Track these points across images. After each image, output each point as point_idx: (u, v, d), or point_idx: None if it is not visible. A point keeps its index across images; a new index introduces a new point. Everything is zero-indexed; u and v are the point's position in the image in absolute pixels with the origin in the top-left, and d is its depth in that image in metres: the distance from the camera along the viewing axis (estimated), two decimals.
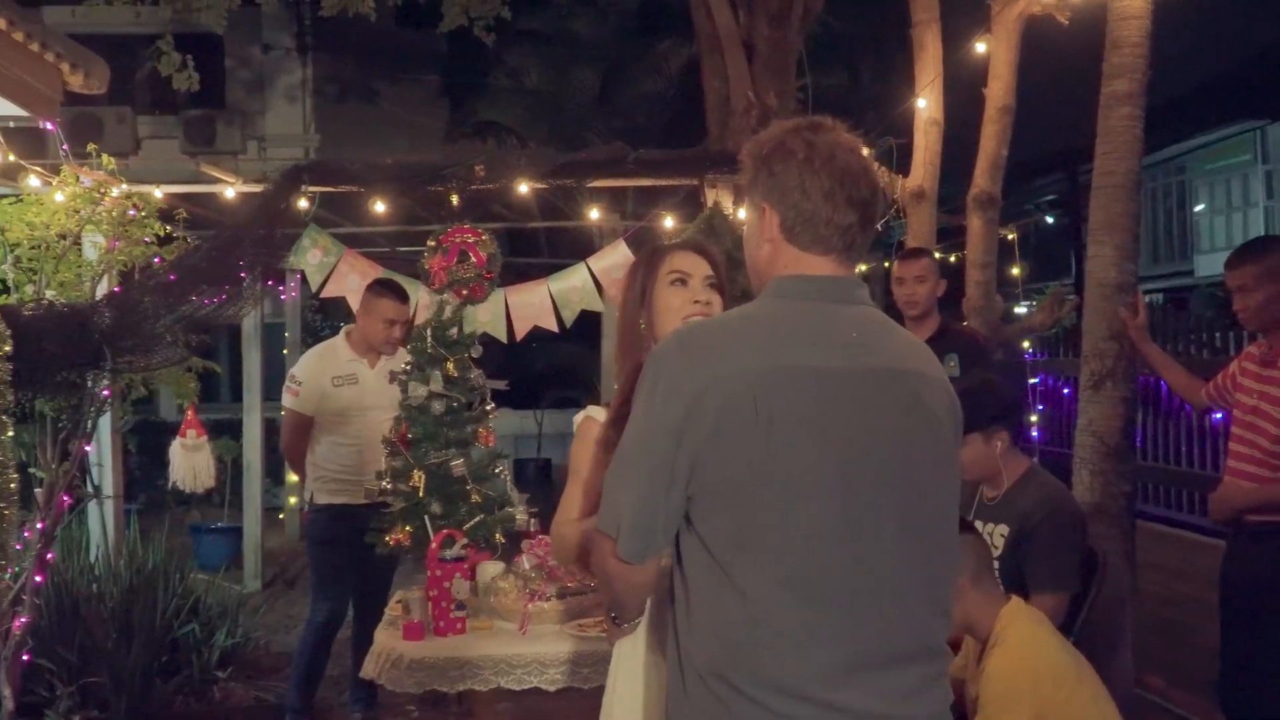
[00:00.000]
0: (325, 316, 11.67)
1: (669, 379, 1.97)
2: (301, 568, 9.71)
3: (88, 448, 5.25)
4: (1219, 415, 6.23)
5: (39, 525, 4.84)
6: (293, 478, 10.75)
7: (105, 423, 6.04)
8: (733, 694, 1.93)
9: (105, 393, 5.03)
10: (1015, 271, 7.30)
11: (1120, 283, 4.79)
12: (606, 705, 2.64)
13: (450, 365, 4.35)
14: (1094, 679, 3.07)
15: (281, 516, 10.67)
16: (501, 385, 4.63)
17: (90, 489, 6.12)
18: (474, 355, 4.46)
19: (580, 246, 11.40)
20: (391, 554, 5.42)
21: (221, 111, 14.64)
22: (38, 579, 4.82)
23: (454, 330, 4.40)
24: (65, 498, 5.01)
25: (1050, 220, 23.86)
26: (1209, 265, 22.16)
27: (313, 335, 12.13)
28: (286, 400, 5.49)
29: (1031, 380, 7.64)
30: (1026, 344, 7.37)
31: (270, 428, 9.11)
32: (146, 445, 11.37)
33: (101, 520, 6.15)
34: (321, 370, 5.44)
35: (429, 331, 4.37)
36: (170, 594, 5.95)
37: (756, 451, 1.90)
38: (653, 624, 2.49)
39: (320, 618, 5.41)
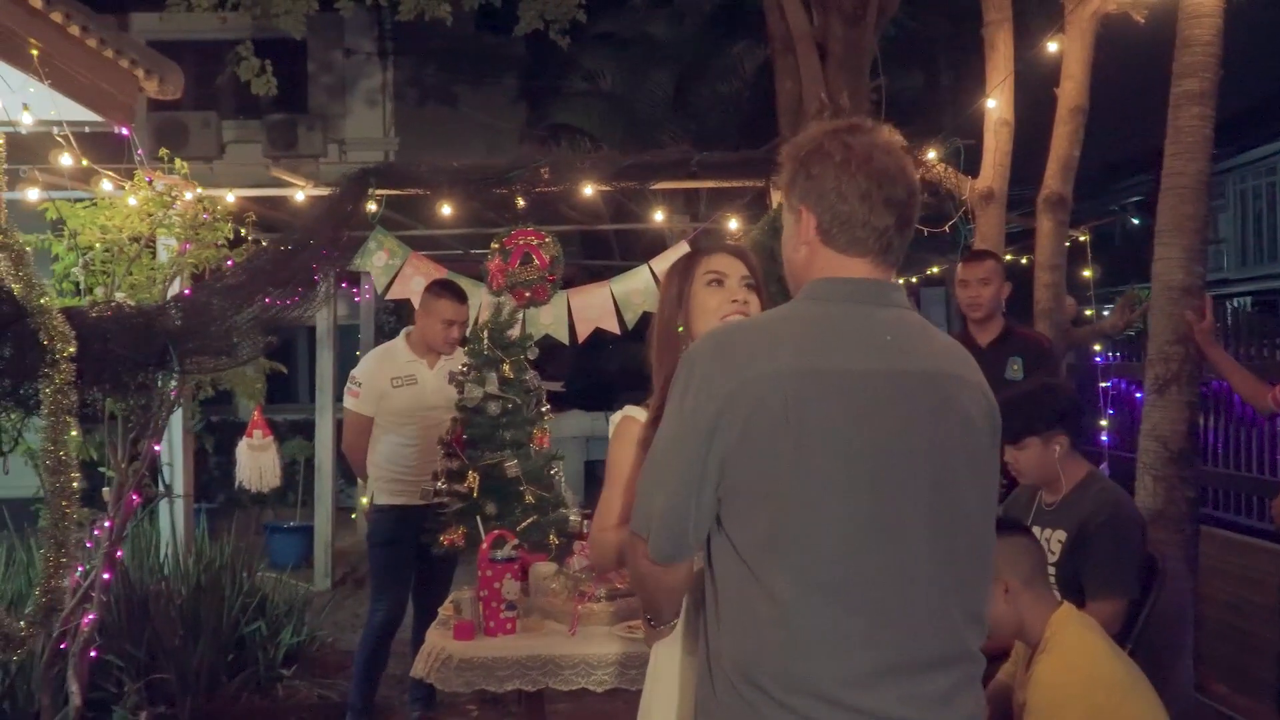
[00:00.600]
0: (399, 319, 11.79)
1: (701, 379, 1.97)
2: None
3: (157, 447, 5.36)
4: None
5: (108, 524, 4.95)
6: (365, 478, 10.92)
7: (176, 422, 6.17)
8: (762, 697, 1.92)
9: (174, 393, 5.13)
10: (1087, 274, 7.15)
11: (1187, 285, 4.68)
12: (644, 707, 2.63)
13: (507, 367, 4.37)
14: (1147, 688, 3.00)
15: (354, 516, 10.78)
16: (557, 387, 4.65)
17: (161, 488, 6.24)
18: (530, 357, 4.47)
19: (651, 248, 11.43)
20: (449, 555, 5.49)
21: (303, 116, 14.93)
22: (105, 576, 4.93)
23: (511, 332, 4.40)
24: (135, 496, 5.12)
25: (1136, 221, 23.35)
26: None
27: (385, 337, 12.28)
28: (347, 401, 5.56)
29: (1103, 384, 7.48)
30: (1098, 347, 7.24)
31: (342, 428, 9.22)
32: (224, 445, 11.58)
33: (171, 519, 6.27)
34: (380, 371, 5.50)
35: (486, 333, 4.39)
36: (238, 592, 6.06)
37: (787, 453, 1.90)
38: (689, 628, 2.49)
39: (379, 617, 5.46)
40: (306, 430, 10.28)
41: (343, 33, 14.95)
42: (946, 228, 6.44)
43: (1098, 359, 7.61)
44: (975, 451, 2.06)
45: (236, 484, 6.72)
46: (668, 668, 2.53)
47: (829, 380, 1.94)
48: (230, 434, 11.76)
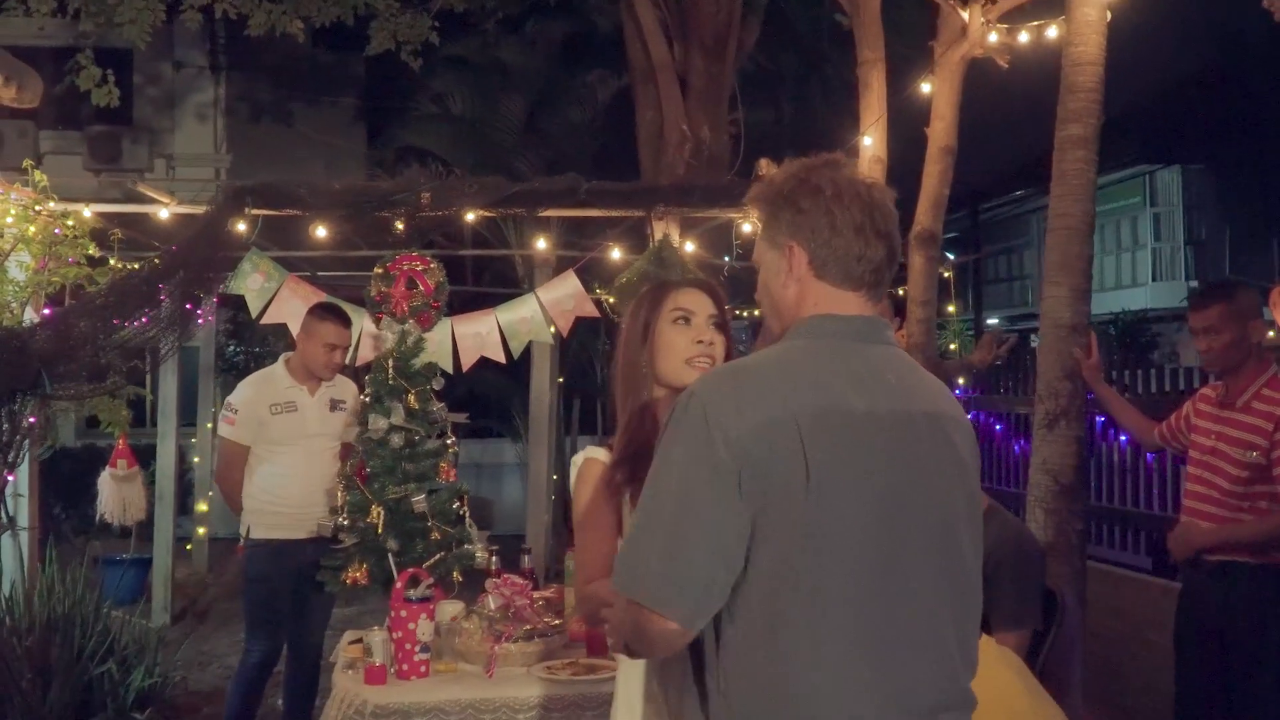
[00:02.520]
0: (239, 342, 11.39)
1: (712, 424, 1.87)
2: (211, 600, 9.43)
3: (10, 477, 5.01)
4: (1152, 455, 6.38)
5: None
6: (201, 507, 10.46)
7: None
8: None
9: (32, 419, 4.81)
10: (951, 309, 7.38)
11: (1074, 323, 4.83)
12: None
13: (411, 397, 4.22)
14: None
15: (189, 548, 10.33)
16: (462, 418, 4.50)
17: (4, 519, 5.82)
18: (435, 388, 4.33)
19: (508, 277, 11.32)
20: (331, 592, 5.29)
21: (128, 129, 14.30)
22: None
23: (415, 361, 4.26)
24: None
25: (950, 256, 24.33)
26: (1099, 304, 22.74)
27: (224, 360, 11.84)
28: (222, 429, 5.29)
29: None
30: (961, 380, 7.45)
31: (185, 456, 8.83)
32: (42, 472, 10.95)
33: (18, 553, 5.85)
34: (259, 398, 5.25)
35: (390, 362, 4.23)
36: (89, 631, 5.69)
37: (802, 499, 1.84)
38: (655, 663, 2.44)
39: (255, 657, 5.19)
40: (143, 456, 9.77)
41: (173, 44, 14.38)
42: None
43: (958, 393, 7.81)
44: (970, 493, 2.07)
45: (97, 517, 6.30)
46: (635, 686, 2.48)
47: (842, 422, 1.90)
48: (49, 461, 11.15)
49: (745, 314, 9.29)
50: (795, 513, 1.84)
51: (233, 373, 12.18)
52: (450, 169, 9.76)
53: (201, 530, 10.16)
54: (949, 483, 2.00)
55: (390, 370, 4.26)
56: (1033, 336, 21.15)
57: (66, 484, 10.85)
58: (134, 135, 14.26)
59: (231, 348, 11.81)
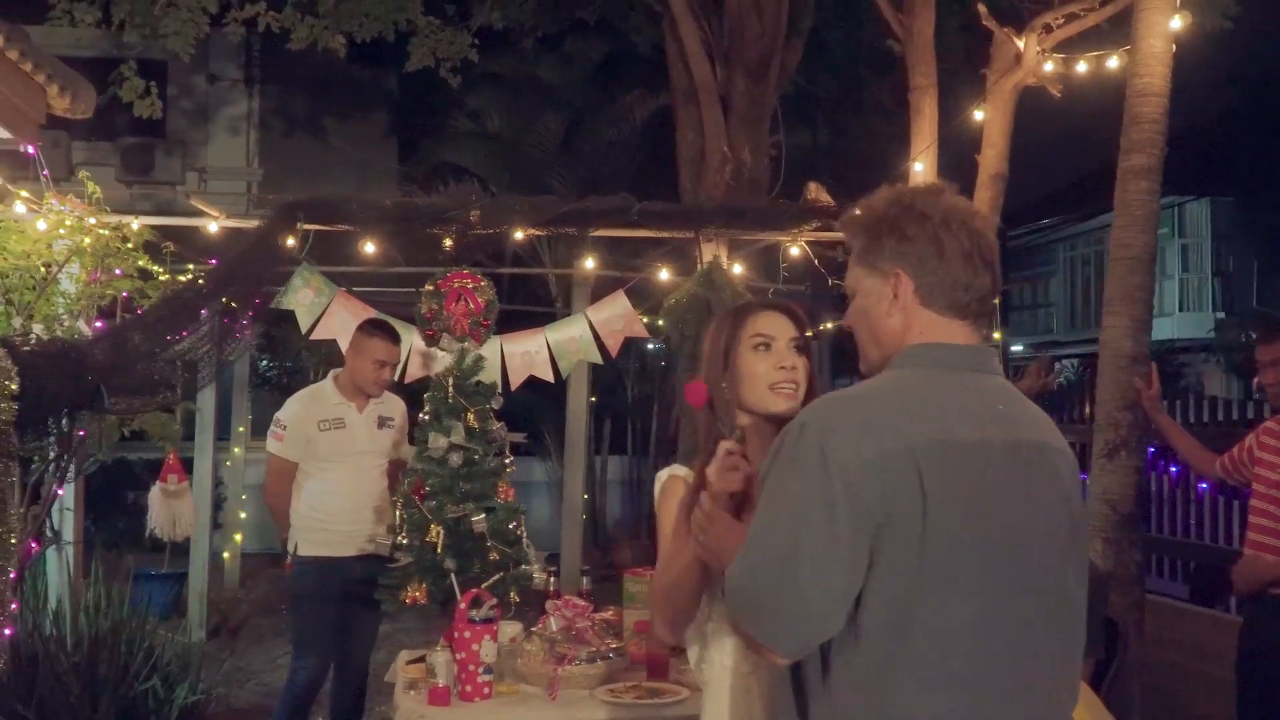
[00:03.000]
0: (273, 356, 11.39)
1: (827, 454, 1.82)
2: (245, 616, 9.39)
3: (60, 490, 4.99)
4: (1204, 485, 6.34)
5: (11, 575, 4.57)
6: (238, 518, 10.45)
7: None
8: None
9: (81, 433, 4.80)
10: (996, 336, 7.35)
11: (1135, 354, 4.81)
12: None
13: (470, 416, 4.20)
14: None
15: (225, 561, 10.31)
16: (520, 438, 4.47)
17: (50, 533, 5.81)
18: (495, 407, 4.31)
19: (540, 296, 11.32)
20: (375, 608, 5.25)
21: (161, 141, 14.34)
22: (7, 632, 4.55)
23: (474, 379, 4.24)
24: (34, 544, 4.75)
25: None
26: None
27: (258, 374, 11.84)
28: (271, 445, 5.26)
29: None
30: None
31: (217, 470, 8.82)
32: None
33: (63, 567, 5.83)
34: (307, 414, 5.23)
35: (450, 381, 4.20)
36: (135, 648, 5.66)
37: (920, 533, 1.80)
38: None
39: (303, 675, 5.16)
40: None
41: (208, 57, 14.44)
42: None
43: None
44: (1076, 523, 2.03)
45: (147, 533, 6.28)
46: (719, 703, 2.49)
47: (958, 452, 1.86)
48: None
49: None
50: (912, 548, 1.80)
51: (265, 388, 12.20)
52: (486, 186, 9.80)
53: (237, 541, 10.14)
54: (1056, 514, 1.96)
55: (450, 389, 4.23)
56: (1062, 364, 21.12)
57: (95, 498, 10.85)
58: (167, 148, 14.31)
59: (265, 362, 11.80)
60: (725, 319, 2.65)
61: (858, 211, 2.14)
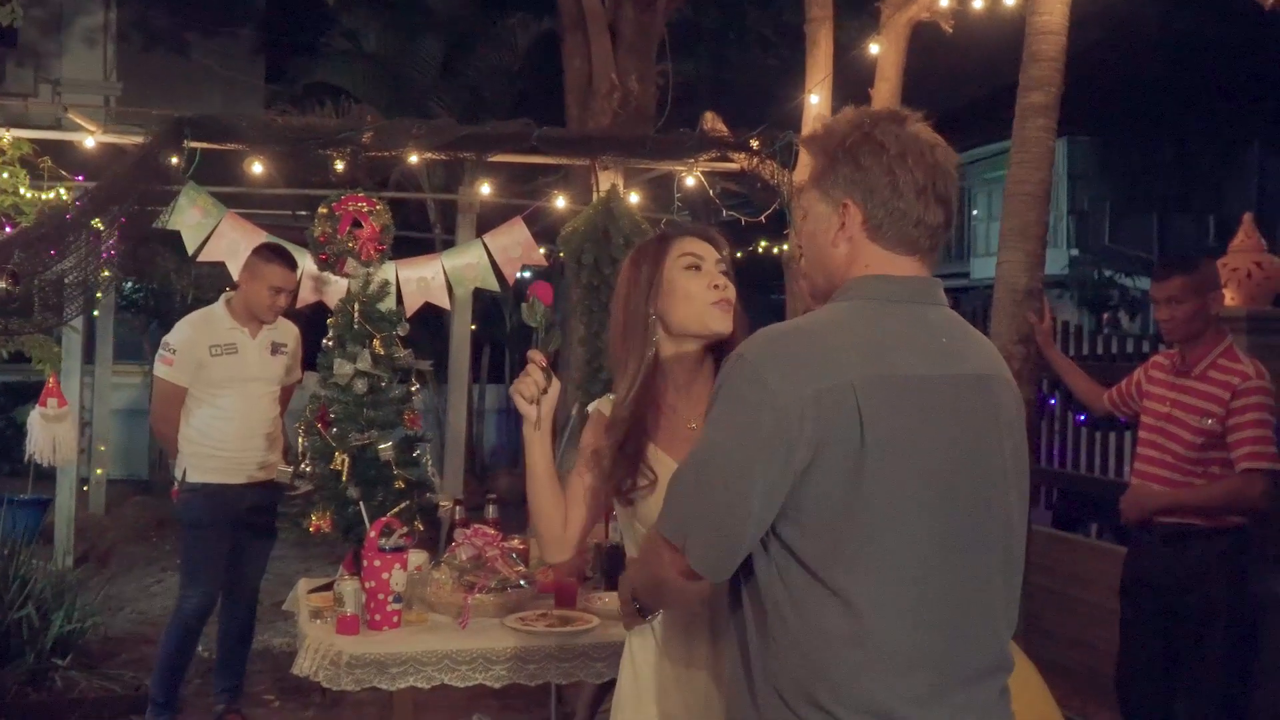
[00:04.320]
0: (140, 279, 10.97)
1: (763, 387, 1.83)
2: (112, 543, 9.15)
3: None
4: (1081, 417, 6.57)
5: None
6: (100, 447, 10.12)
7: None
8: (819, 715, 1.84)
9: None
10: None
11: (1030, 288, 4.91)
12: (619, 700, 2.56)
13: (376, 342, 4.10)
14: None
15: (86, 489, 9.98)
16: (427, 365, 4.39)
17: None
18: (401, 333, 4.22)
19: (414, 223, 11.09)
20: (267, 536, 5.16)
21: (12, 50, 13.63)
22: None
23: (380, 305, 4.14)
24: None
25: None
26: (982, 268, 23.31)
27: (124, 298, 11.41)
28: (159, 370, 5.09)
29: None
30: None
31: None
32: None
33: None
34: (198, 338, 5.06)
35: (356, 306, 4.10)
36: (11, 575, 5.47)
37: (859, 465, 1.81)
38: (673, 631, 2.42)
39: (191, 605, 5.04)
40: (33, 393, 9.39)
41: None
42: (763, 218, 6.54)
43: None
44: (1018, 454, 2.05)
45: (26, 457, 6.02)
46: (644, 658, 2.49)
47: (900, 388, 1.87)
48: None
49: None
50: (846, 480, 1.81)
51: (131, 311, 11.77)
52: (363, 108, 9.53)
53: (99, 471, 9.82)
54: (998, 445, 1.98)
55: (355, 314, 4.12)
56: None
57: None
58: (18, 58, 13.61)
59: (131, 285, 11.36)
60: (647, 246, 2.62)
61: (819, 131, 2.11)
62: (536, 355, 2.48)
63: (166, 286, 10.86)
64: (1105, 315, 21.11)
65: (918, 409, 1.87)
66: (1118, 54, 19.65)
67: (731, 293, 2.54)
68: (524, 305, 2.51)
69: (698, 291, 2.50)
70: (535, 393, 2.46)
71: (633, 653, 2.52)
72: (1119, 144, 21.98)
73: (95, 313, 9.69)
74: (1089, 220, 23.63)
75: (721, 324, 2.49)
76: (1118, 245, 23.15)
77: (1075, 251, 23.29)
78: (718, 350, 2.50)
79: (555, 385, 2.50)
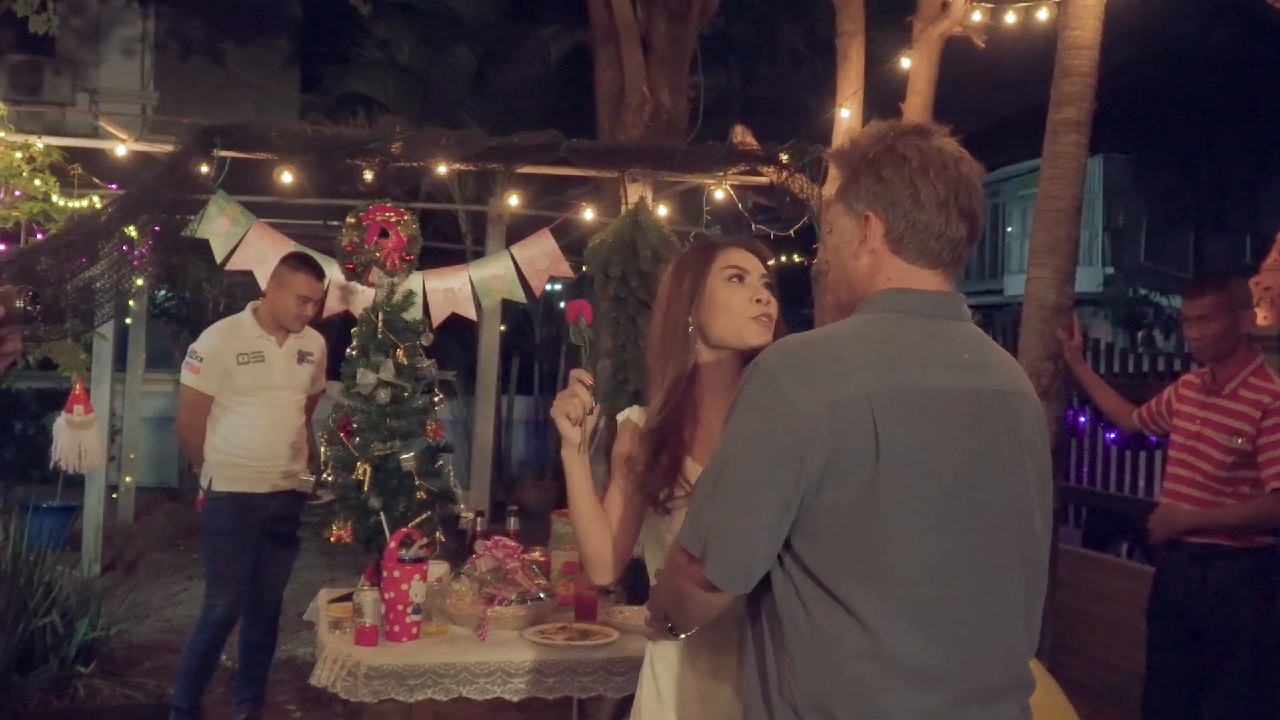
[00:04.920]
0: (171, 287, 11.05)
1: (780, 396, 1.83)
2: (140, 551, 9.20)
3: None
4: (1110, 436, 6.50)
5: None
6: (130, 455, 10.18)
7: None
8: None
9: None
10: None
11: (1059, 305, 4.87)
12: (638, 709, 2.54)
13: (400, 352, 4.10)
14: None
15: (115, 496, 10.04)
16: (450, 375, 4.38)
17: None
18: (425, 344, 4.21)
19: (447, 234, 11.13)
20: (291, 546, 5.16)
21: (50, 60, 13.76)
22: None
23: (405, 315, 4.14)
24: None
25: None
26: (1015, 285, 23.19)
27: (156, 306, 11.50)
28: (186, 377, 5.11)
29: None
30: None
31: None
32: None
33: None
34: (225, 346, 5.08)
35: (380, 316, 4.10)
36: (36, 582, 5.50)
37: (873, 477, 1.80)
38: (700, 644, 2.39)
39: (216, 614, 5.04)
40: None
41: None
42: (792, 232, 6.51)
43: None
44: (1041, 471, 2.04)
45: (51, 464, 6.06)
46: (667, 672, 2.46)
47: (917, 401, 1.86)
48: None
49: None
50: (860, 492, 1.80)
51: (163, 319, 11.85)
52: (396, 118, 9.57)
53: (129, 479, 9.87)
54: (1020, 462, 1.97)
55: (380, 324, 4.12)
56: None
57: None
58: (57, 67, 13.73)
59: (162, 293, 11.45)
60: (690, 255, 2.61)
61: (845, 145, 2.11)
62: (583, 375, 2.46)
63: (199, 295, 10.94)
64: (1140, 333, 20.97)
65: (934, 422, 1.86)
66: (1154, 71, 19.57)
67: (774, 308, 2.52)
68: (571, 326, 2.49)
69: (739, 304, 2.49)
70: (581, 413, 2.45)
71: (653, 664, 2.51)
72: (1155, 161, 21.81)
73: (128, 320, 9.83)
74: (1124, 238, 23.47)
75: (759, 338, 2.46)
76: (1153, 263, 22.99)
77: (1110, 269, 23.13)
78: None
79: (597, 407, 2.49)
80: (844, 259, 2.06)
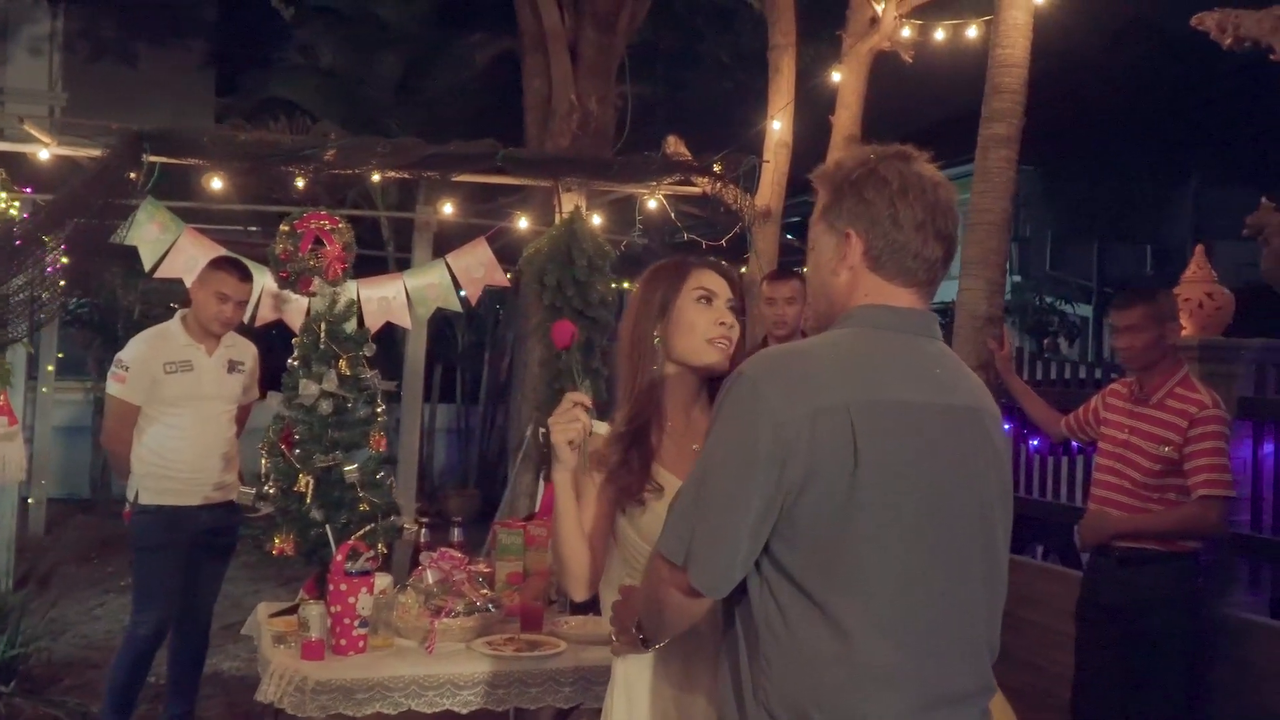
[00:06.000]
0: (85, 293, 10.78)
1: (761, 405, 1.89)
2: (53, 565, 8.96)
3: None
4: (1034, 444, 6.63)
5: None
6: (40, 465, 9.90)
7: None
8: None
9: None
10: None
11: (990, 315, 4.99)
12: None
13: (343, 363, 4.06)
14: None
15: (30, 504, 9.76)
16: (392, 386, 4.35)
17: None
18: (367, 354, 4.18)
19: (367, 241, 11.00)
20: (223, 559, 5.08)
21: None
22: None
23: (347, 325, 4.10)
24: None
25: (789, 237, 24.78)
26: (947, 290, 23.51)
27: (68, 313, 11.21)
28: (111, 387, 4.99)
29: None
30: None
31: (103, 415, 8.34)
32: None
33: None
34: (153, 355, 4.96)
35: (322, 325, 4.05)
36: None
37: (851, 486, 1.86)
38: (672, 650, 2.41)
39: (144, 630, 4.91)
40: None
41: None
42: (724, 241, 6.57)
43: None
44: (1004, 485, 2.13)
45: None
46: (639, 683, 2.47)
47: (894, 413, 1.93)
48: None
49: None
50: (839, 501, 1.86)
51: (75, 326, 11.56)
52: (325, 126, 9.46)
53: (40, 487, 9.62)
54: (986, 475, 2.05)
55: (322, 334, 4.08)
56: None
57: None
58: None
59: (75, 300, 11.17)
60: (664, 271, 2.65)
61: (829, 166, 2.17)
62: (581, 397, 2.48)
63: (112, 302, 10.68)
64: (1045, 340, 21.40)
65: (910, 435, 1.93)
66: (1063, 86, 20.00)
67: (735, 332, 2.58)
68: (565, 354, 2.51)
69: (703, 325, 2.54)
70: (583, 437, 2.46)
71: (626, 677, 2.51)
72: (1062, 173, 22.26)
73: (40, 329, 9.55)
74: (1031, 247, 23.91)
75: (715, 359, 2.52)
76: (1058, 272, 23.46)
77: (1018, 278, 23.55)
78: (713, 383, 2.52)
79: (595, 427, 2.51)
80: (824, 274, 2.13)
